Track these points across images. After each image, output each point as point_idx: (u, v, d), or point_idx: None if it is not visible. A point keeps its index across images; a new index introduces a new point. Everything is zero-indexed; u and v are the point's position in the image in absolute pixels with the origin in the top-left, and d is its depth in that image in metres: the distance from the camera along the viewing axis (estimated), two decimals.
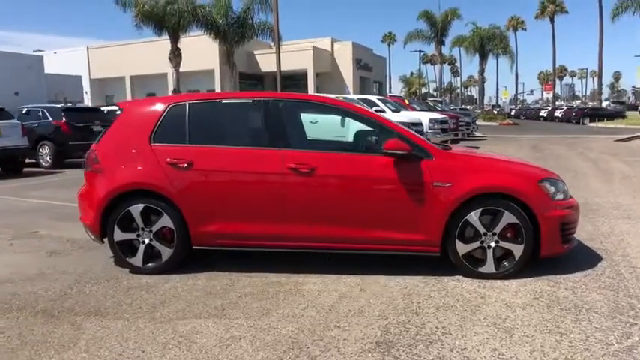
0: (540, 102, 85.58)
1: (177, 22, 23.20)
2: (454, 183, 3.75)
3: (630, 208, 6.31)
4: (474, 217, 3.76)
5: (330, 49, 40.40)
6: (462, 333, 2.93)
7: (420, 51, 51.52)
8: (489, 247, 3.80)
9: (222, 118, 4.26)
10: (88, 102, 35.67)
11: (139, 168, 3.98)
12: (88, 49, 40.19)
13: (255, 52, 37.34)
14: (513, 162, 4.41)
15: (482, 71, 44.50)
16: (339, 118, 4.66)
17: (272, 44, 38.40)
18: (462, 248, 3.81)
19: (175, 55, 24.56)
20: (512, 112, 54.31)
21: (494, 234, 3.78)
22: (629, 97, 76.68)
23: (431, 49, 46.55)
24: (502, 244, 3.79)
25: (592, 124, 33.57)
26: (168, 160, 3.92)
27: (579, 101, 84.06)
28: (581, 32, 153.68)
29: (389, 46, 67.60)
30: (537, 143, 18.23)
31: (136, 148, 4.03)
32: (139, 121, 4.12)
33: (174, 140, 4.05)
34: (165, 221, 3.94)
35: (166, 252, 3.99)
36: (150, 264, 4.02)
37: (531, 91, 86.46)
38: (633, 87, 77.11)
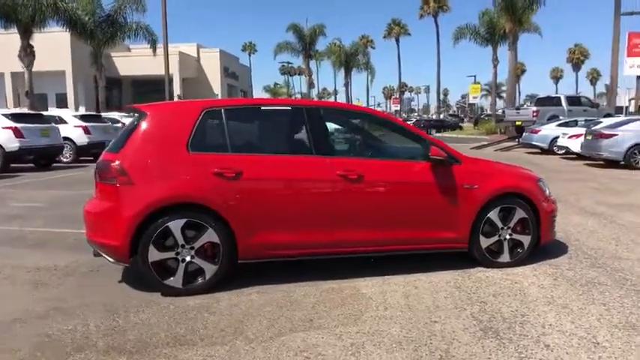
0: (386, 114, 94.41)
1: (32, 15, 20.14)
2: (480, 185, 4.23)
3: None
4: (494, 214, 4.29)
5: (196, 55, 39.21)
6: (535, 313, 3.38)
7: (288, 62, 53.20)
8: (505, 239, 4.36)
9: (262, 125, 4.09)
10: None
11: (180, 179, 3.61)
12: None
13: (112, 55, 34.28)
14: (514, 165, 5.07)
15: (347, 84, 47.84)
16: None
17: (130, 47, 35.92)
18: (484, 242, 4.31)
19: (27, 53, 21.18)
20: None
21: (508, 228, 4.36)
22: (454, 111, 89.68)
23: (299, 61, 48.48)
24: (514, 236, 4.39)
25: (438, 134, 38.59)
26: (213, 169, 3.64)
27: (416, 114, 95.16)
28: (420, 52, 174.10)
29: (249, 55, 68.09)
30: None
31: (172, 157, 3.65)
32: (171, 127, 3.73)
33: (214, 148, 3.78)
34: (210, 236, 3.65)
35: (210, 269, 3.69)
36: (191, 284, 3.67)
37: (379, 104, 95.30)
38: (457, 102, 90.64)
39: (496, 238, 4.34)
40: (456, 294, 3.75)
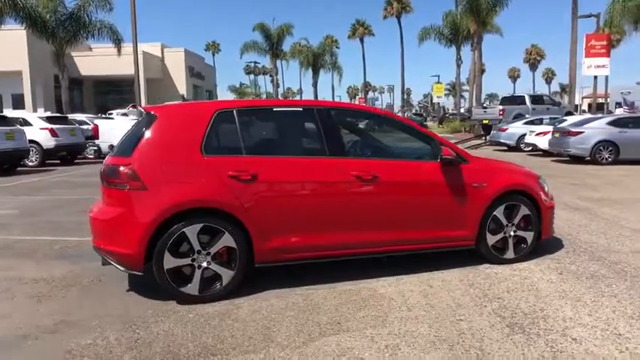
0: None
1: None
2: (488, 183, 4.30)
3: None
4: (500, 211, 4.37)
5: (160, 55, 38.26)
6: (553, 307, 3.47)
7: (255, 62, 52.75)
8: (510, 236, 4.46)
9: (275, 126, 4.01)
10: None
11: (195, 183, 3.49)
12: None
13: (73, 54, 32.96)
14: (514, 164, 5.19)
15: (315, 84, 47.95)
16: None
17: (91, 46, 34.64)
18: (490, 240, 4.39)
19: None
20: None
21: (513, 225, 4.46)
22: (417, 110, 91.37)
23: (265, 61, 48.18)
24: (518, 233, 4.49)
25: None
26: (229, 172, 3.54)
27: None
28: (384, 53, 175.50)
29: (213, 55, 67.01)
30: None
31: (186, 160, 3.53)
32: (183, 129, 3.60)
33: (229, 151, 3.68)
34: (227, 240, 3.55)
35: (227, 274, 3.59)
36: (208, 290, 3.55)
37: None
38: (419, 101, 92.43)
39: (501, 235, 4.43)
40: (472, 291, 3.80)
